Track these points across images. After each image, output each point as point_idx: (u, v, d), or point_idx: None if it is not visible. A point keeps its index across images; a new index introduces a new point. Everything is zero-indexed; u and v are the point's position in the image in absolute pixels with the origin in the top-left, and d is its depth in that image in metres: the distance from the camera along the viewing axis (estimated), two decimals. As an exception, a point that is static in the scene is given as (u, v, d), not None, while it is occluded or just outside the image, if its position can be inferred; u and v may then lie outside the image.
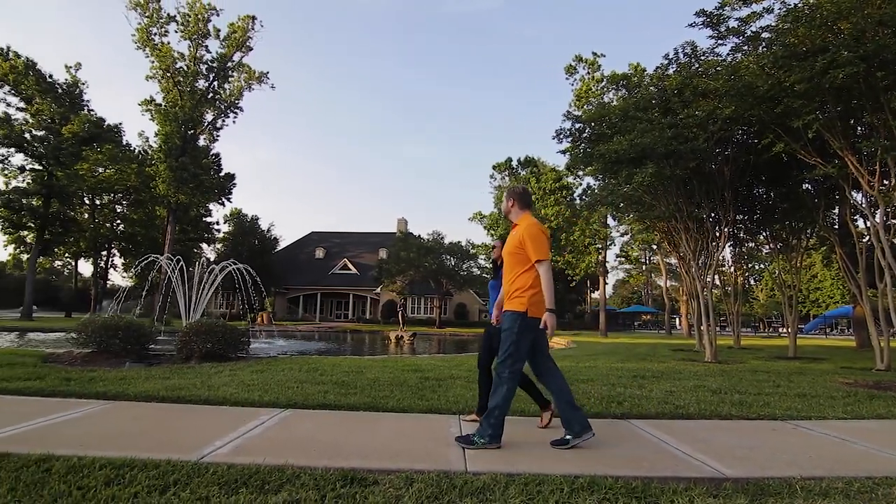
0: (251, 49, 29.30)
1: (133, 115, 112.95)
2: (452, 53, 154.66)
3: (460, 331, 31.23)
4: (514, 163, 48.26)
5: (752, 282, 46.47)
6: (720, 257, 12.55)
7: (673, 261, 36.67)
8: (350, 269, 45.96)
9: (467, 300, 43.90)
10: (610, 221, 27.59)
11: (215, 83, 29.21)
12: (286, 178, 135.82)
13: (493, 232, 46.37)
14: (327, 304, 46.02)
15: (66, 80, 31.13)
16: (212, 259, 35.09)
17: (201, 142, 30.66)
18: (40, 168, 29.71)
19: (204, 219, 40.99)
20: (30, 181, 29.91)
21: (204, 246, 44.62)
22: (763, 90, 8.45)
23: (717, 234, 11.92)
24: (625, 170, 10.53)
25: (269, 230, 46.17)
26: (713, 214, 11.77)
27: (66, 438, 2.94)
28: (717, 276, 15.76)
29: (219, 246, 45.40)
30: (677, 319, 52.41)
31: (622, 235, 33.20)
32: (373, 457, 2.78)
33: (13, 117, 28.70)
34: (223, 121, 30.54)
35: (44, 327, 19.76)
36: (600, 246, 29.43)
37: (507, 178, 49.02)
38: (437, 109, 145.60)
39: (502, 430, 3.13)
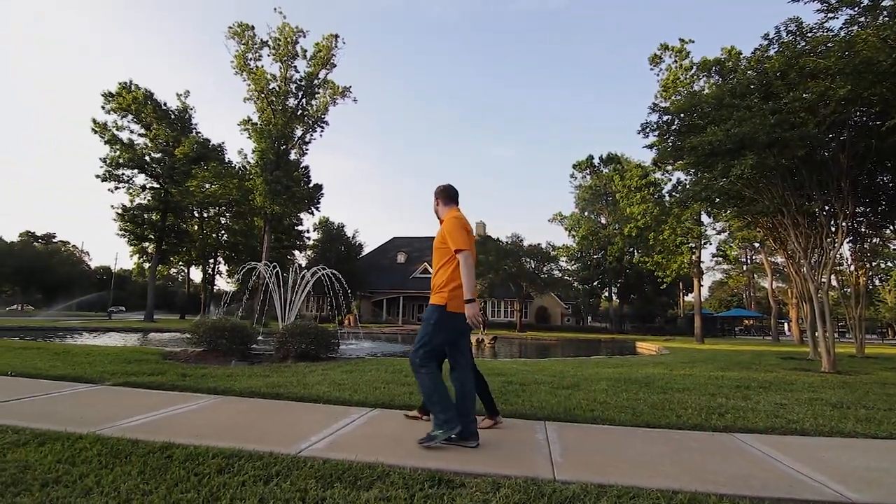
0: (335, 66, 30.95)
1: (233, 134, 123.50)
2: (527, 53, 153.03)
3: (542, 335, 30.61)
4: (596, 160, 46.64)
5: (876, 282, 41.04)
6: (837, 255, 11.21)
7: (779, 260, 33.42)
8: (430, 273, 46.77)
9: (549, 303, 43.02)
10: (704, 219, 25.67)
11: (303, 100, 31.16)
12: (368, 185, 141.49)
13: (574, 233, 45.09)
14: (409, 307, 47.20)
15: (178, 106, 34.83)
16: (303, 265, 37.41)
17: (292, 156, 32.80)
18: (158, 186, 33.43)
19: (296, 227, 43.82)
20: (149, 198, 33.79)
21: (296, 253, 47.65)
22: (886, 65, 7.45)
23: (833, 230, 10.66)
24: (721, 162, 9.73)
25: (353, 237, 48.48)
26: (827, 207, 10.54)
27: (184, 428, 3.25)
28: (833, 276, 14.10)
29: (309, 252, 48.32)
30: (786, 325, 47.66)
31: (719, 233, 30.66)
32: (458, 459, 2.79)
33: (136, 143, 32.60)
34: (311, 135, 32.48)
35: (162, 328, 22.14)
36: (693, 245, 27.44)
37: (587, 177, 47.52)
38: (515, 111, 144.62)
39: (453, 410, 3.06)
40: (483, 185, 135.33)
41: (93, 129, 31.16)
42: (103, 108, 31.52)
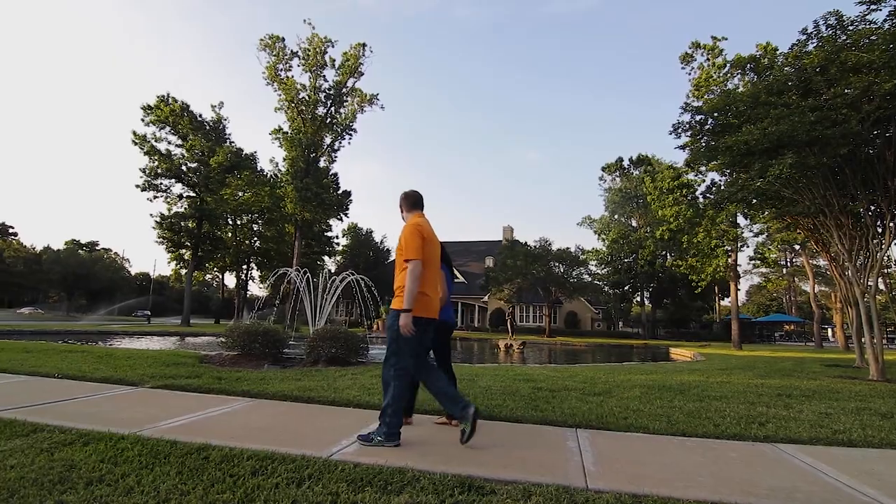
0: (362, 74, 31.45)
1: (264, 143, 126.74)
2: (556, 55, 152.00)
3: (571, 340, 30.16)
4: (626, 162, 45.85)
5: (928, 285, 38.84)
6: (885, 257, 10.67)
7: (822, 262, 32.07)
8: (457, 278, 46.78)
9: (578, 308, 42.38)
10: (740, 220, 24.86)
11: (332, 109, 31.76)
12: (395, 190, 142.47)
13: (604, 237, 44.34)
14: (437, 312, 47.23)
15: (212, 117, 35.98)
16: (332, 270, 37.99)
17: (322, 163, 33.45)
18: (194, 195, 34.54)
19: (325, 234, 44.54)
20: (186, 207, 34.95)
21: (326, 258, 48.41)
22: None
23: (880, 230, 10.16)
24: (757, 162, 9.42)
25: (381, 242, 48.91)
26: (873, 207, 10.05)
27: (220, 430, 3.33)
28: (881, 279, 13.42)
29: (338, 258, 49.06)
30: (829, 330, 45.64)
31: (756, 235, 29.74)
32: (488, 465, 2.76)
33: (173, 153, 33.81)
34: (340, 143, 33.10)
35: (198, 332, 22.79)
36: (729, 248, 26.58)
37: (617, 180, 46.72)
38: (541, 114, 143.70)
39: (399, 427, 3.16)
40: (511, 189, 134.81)
41: (133, 141, 32.46)
42: (142, 120, 32.82)
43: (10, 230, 67.43)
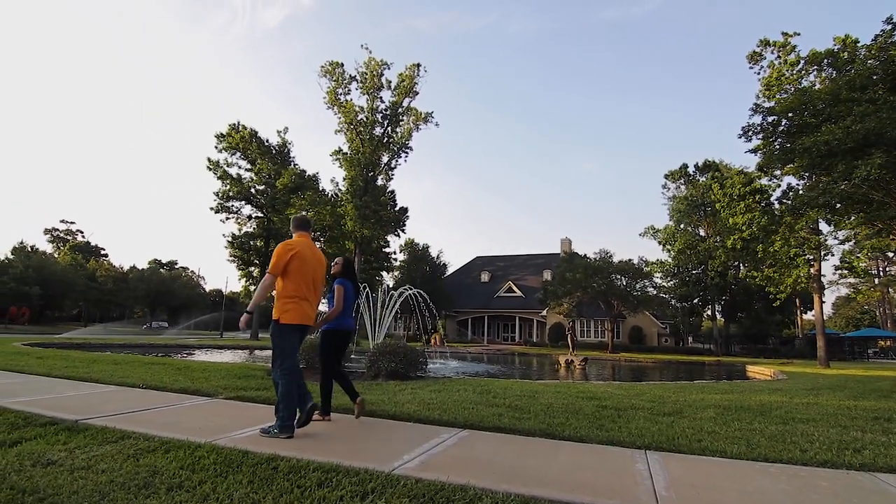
0: (417, 93, 32.21)
1: (325, 163, 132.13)
2: (609, 64, 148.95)
3: (636, 356, 28.88)
4: (691, 169, 43.76)
5: None
6: None
7: (920, 271, 28.94)
8: (515, 292, 46.31)
9: (644, 323, 40.60)
10: (823, 227, 22.99)
11: (389, 128, 32.70)
12: (450, 205, 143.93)
13: (669, 247, 42.37)
14: (494, 326, 46.90)
15: (278, 142, 38.06)
16: (390, 285, 38.68)
17: (379, 182, 34.40)
18: (262, 215, 36.53)
19: (383, 249, 45.57)
20: (254, 226, 36.98)
21: (384, 274, 49.45)
22: None
23: None
24: (841, 163, 8.70)
25: (438, 257, 49.35)
26: (983, 209, 9.01)
27: (288, 442, 3.45)
28: None
29: (396, 273, 49.93)
30: (933, 346, 40.95)
31: (842, 243, 27.23)
32: (552, 486, 2.68)
33: (243, 177, 36.02)
34: (396, 161, 33.93)
35: (266, 346, 23.85)
36: (811, 257, 24.53)
37: (682, 187, 44.65)
38: (596, 124, 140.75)
39: (292, 420, 3.59)
40: (568, 201, 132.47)
41: (207, 167, 34.95)
42: (216, 147, 35.30)
43: (102, 251, 74.19)
